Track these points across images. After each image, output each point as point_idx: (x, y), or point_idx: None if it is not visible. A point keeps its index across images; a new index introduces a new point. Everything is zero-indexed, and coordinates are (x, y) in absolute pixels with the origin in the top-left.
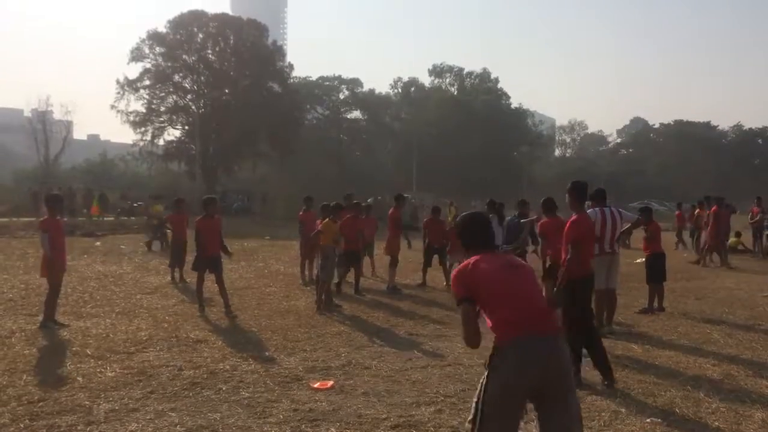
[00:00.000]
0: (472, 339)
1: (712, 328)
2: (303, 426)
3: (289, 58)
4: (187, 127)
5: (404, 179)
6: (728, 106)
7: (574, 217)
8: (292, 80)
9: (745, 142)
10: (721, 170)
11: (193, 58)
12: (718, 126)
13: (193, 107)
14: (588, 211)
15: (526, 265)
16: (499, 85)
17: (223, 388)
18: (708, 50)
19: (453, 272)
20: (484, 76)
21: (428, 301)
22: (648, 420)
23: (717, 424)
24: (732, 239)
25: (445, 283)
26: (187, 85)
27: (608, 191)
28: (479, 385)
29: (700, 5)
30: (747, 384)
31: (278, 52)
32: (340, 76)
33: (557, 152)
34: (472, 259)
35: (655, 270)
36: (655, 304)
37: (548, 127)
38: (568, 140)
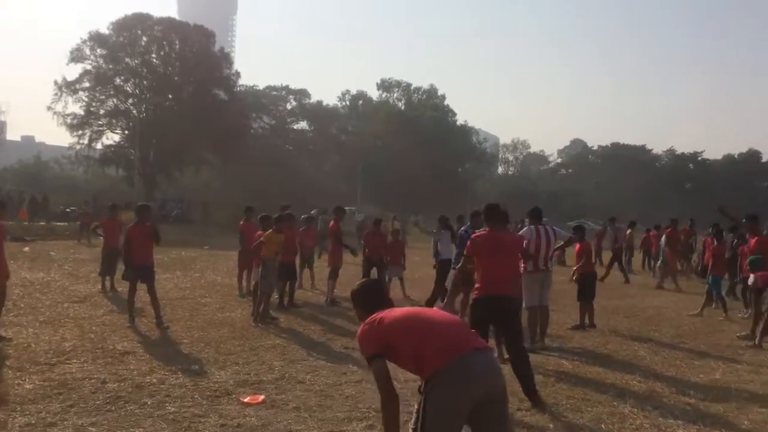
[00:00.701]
0: (390, 399)
1: (639, 345)
2: None
3: (237, 66)
4: (126, 132)
5: (350, 192)
6: (663, 131)
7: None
8: (238, 88)
9: (677, 166)
10: (654, 192)
11: (136, 61)
12: (652, 150)
13: (134, 111)
14: (524, 229)
15: (427, 309)
16: (446, 102)
17: (149, 402)
18: (645, 76)
19: (360, 330)
20: (432, 92)
21: None
22: None
23: None
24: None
25: None
26: (128, 88)
27: (547, 210)
28: (416, 411)
29: (637, 32)
30: (670, 400)
31: (225, 59)
32: (287, 86)
33: (500, 170)
34: (378, 315)
35: (586, 288)
36: (587, 321)
37: (492, 145)
38: (511, 158)
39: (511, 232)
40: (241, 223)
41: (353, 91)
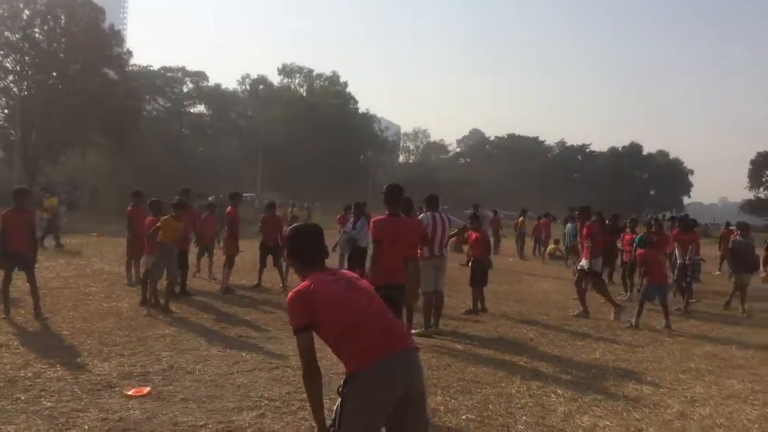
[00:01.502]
0: (313, 376)
1: (528, 328)
2: None
3: (129, 44)
4: (6, 111)
5: (249, 178)
6: (555, 124)
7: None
8: (130, 68)
9: (567, 158)
10: (546, 182)
11: (17, 35)
12: (545, 141)
13: (15, 89)
14: (420, 215)
15: (363, 282)
16: (348, 89)
17: (22, 398)
18: (539, 72)
19: (289, 295)
20: (334, 79)
21: (262, 302)
22: (463, 417)
23: (525, 418)
24: (551, 246)
25: (281, 285)
26: (8, 64)
27: (447, 198)
28: (334, 412)
29: (536, 29)
30: (554, 379)
31: (116, 36)
32: (184, 68)
33: (401, 158)
34: (311, 282)
35: (478, 274)
36: (479, 305)
37: (393, 134)
38: (411, 147)
39: (410, 218)
40: (129, 208)
41: (254, 75)
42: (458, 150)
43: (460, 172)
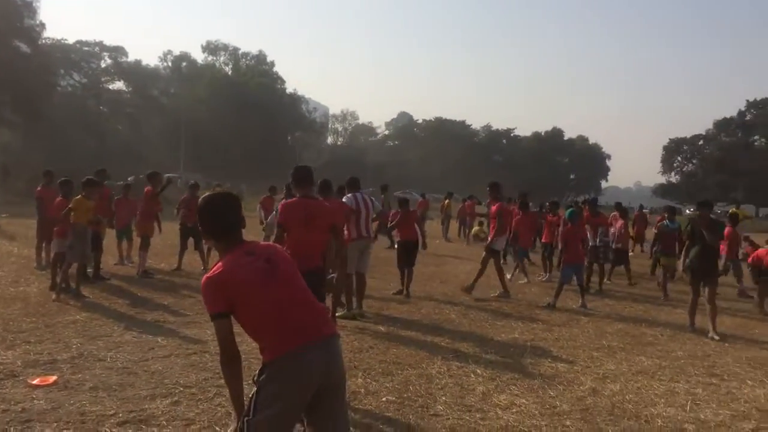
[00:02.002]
0: (231, 361)
1: (451, 309)
2: (11, 429)
3: (42, 17)
4: None
5: (172, 158)
6: (481, 107)
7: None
8: (43, 41)
9: (492, 141)
10: (472, 165)
11: None
12: (471, 125)
13: None
14: (344, 197)
15: (285, 259)
16: (275, 69)
17: None
18: (466, 56)
19: (203, 280)
20: (261, 58)
21: (181, 286)
22: (384, 399)
23: (444, 398)
24: (475, 228)
25: (202, 268)
26: None
27: (375, 180)
28: (249, 401)
29: (459, 16)
30: (473, 360)
31: (28, 8)
32: (101, 42)
33: (330, 140)
34: (226, 265)
35: (406, 255)
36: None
37: (322, 115)
38: (340, 129)
39: (326, 200)
40: (39, 188)
41: (176, 52)
42: (386, 132)
43: (388, 154)
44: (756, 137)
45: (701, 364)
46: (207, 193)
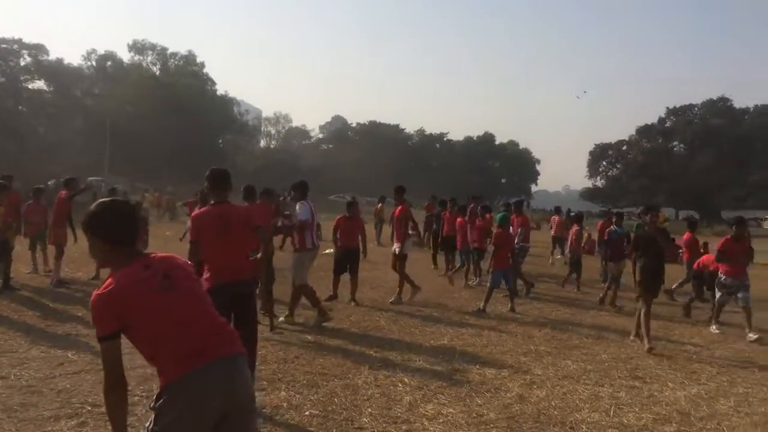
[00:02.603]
0: (116, 389)
1: (380, 315)
2: None
3: None
4: None
5: (95, 161)
6: (414, 111)
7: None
8: None
9: (426, 145)
10: (405, 169)
11: None
12: (405, 129)
13: None
14: (299, 205)
15: (186, 273)
16: (205, 70)
17: None
18: (400, 60)
19: (92, 297)
20: (190, 58)
21: None
22: (307, 413)
23: (370, 410)
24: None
25: None
26: None
27: (309, 184)
28: (146, 429)
29: (396, 16)
30: (401, 368)
31: None
32: (20, 40)
33: (262, 143)
34: (118, 281)
35: (344, 263)
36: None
37: (254, 118)
38: (273, 132)
39: (238, 206)
40: None
41: (101, 51)
42: (320, 136)
43: (322, 158)
44: (675, 143)
45: (625, 366)
46: (100, 200)
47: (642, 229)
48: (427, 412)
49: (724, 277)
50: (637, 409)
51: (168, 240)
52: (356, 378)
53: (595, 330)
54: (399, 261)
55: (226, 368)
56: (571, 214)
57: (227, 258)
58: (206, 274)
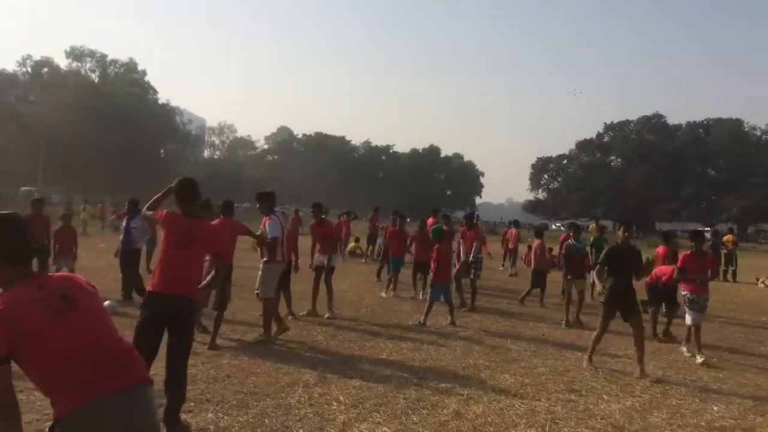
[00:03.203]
0: (8, 416)
1: (318, 330)
2: None
3: None
4: None
5: (30, 170)
6: (361, 123)
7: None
8: None
9: (372, 157)
10: (352, 181)
11: None
12: (351, 141)
13: None
14: (269, 219)
15: (86, 293)
16: (147, 78)
17: None
18: (344, 72)
19: None
20: (131, 66)
21: None
22: None
23: (302, 431)
24: (351, 244)
25: None
26: None
27: (252, 196)
28: None
29: (338, 26)
30: (336, 386)
31: None
32: None
33: (206, 153)
34: (9, 300)
35: (284, 277)
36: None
37: (197, 127)
38: (217, 142)
39: (204, 220)
40: None
41: (36, 57)
42: (266, 146)
43: (268, 168)
44: (612, 157)
45: (561, 379)
46: None
47: (599, 243)
48: (361, 431)
49: (689, 293)
50: (572, 424)
51: (102, 252)
52: (289, 397)
53: (534, 343)
54: (327, 274)
55: (129, 397)
56: (518, 226)
57: (179, 271)
58: (152, 279)
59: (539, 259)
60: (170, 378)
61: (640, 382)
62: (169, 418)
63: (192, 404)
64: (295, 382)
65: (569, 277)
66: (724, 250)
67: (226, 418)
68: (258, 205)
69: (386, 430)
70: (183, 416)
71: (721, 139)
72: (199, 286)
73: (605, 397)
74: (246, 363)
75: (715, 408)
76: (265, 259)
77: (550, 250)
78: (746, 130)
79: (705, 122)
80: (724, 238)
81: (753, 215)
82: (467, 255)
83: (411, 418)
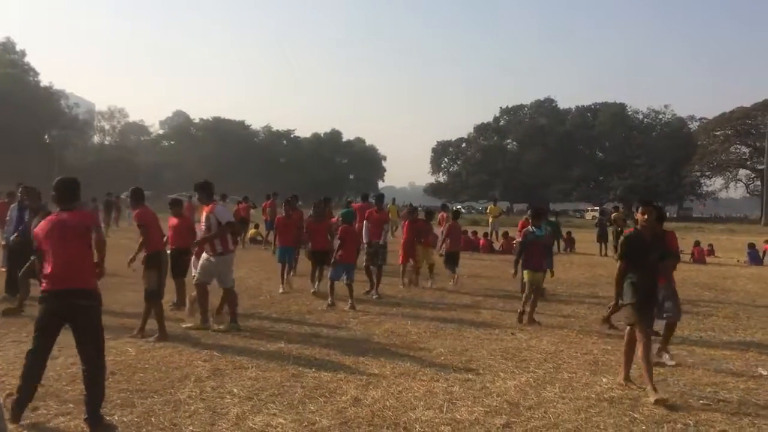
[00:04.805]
0: None
1: (213, 319)
2: None
3: None
4: None
5: None
6: (261, 108)
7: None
8: None
9: (273, 142)
10: (252, 166)
11: None
12: (251, 125)
13: None
14: (217, 208)
15: None
16: (26, 59)
17: None
18: (244, 52)
19: None
20: (8, 46)
21: None
22: None
23: (191, 428)
24: (252, 230)
25: None
26: None
27: (149, 182)
28: None
29: (232, 10)
30: (231, 378)
31: None
32: None
33: (96, 139)
34: None
35: (179, 265)
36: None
37: (86, 112)
38: (107, 127)
39: (77, 212)
40: None
41: None
42: (161, 132)
43: (163, 154)
44: (509, 141)
45: (459, 359)
46: None
47: (612, 226)
48: (255, 425)
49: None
50: (469, 403)
51: None
52: (179, 392)
53: (434, 323)
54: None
55: None
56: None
57: (62, 265)
58: (42, 282)
59: (454, 241)
60: (84, 374)
61: (534, 358)
62: (90, 417)
63: (71, 406)
64: (186, 377)
65: (527, 268)
66: (612, 228)
67: (107, 418)
68: (197, 196)
69: (282, 421)
70: (61, 419)
71: (607, 122)
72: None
73: (501, 374)
74: (133, 359)
75: (604, 380)
76: (220, 251)
77: (465, 232)
78: (629, 114)
79: (592, 106)
80: (613, 215)
81: (636, 194)
82: (376, 238)
83: (308, 407)
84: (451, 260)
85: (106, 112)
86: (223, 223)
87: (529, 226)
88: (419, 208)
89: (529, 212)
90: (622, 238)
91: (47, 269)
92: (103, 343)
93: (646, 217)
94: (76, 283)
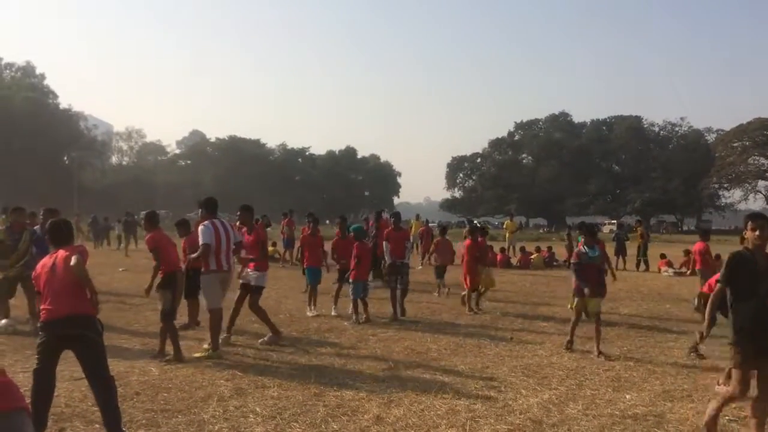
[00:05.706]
0: None
1: (234, 339)
2: None
3: None
4: None
5: None
6: (276, 127)
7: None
8: None
9: (288, 160)
10: (268, 184)
11: None
12: (266, 144)
13: None
14: (201, 227)
15: None
16: (46, 82)
17: None
18: (258, 77)
19: None
20: (28, 70)
21: None
22: None
23: None
24: (270, 248)
25: None
26: None
27: (166, 201)
28: None
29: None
30: (253, 397)
31: None
32: None
33: (114, 159)
34: None
35: (190, 285)
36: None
37: (104, 133)
38: (125, 147)
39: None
40: None
41: None
42: (177, 151)
43: (180, 173)
44: (524, 155)
45: (480, 376)
46: None
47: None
48: None
49: None
50: (492, 421)
51: None
52: (203, 412)
53: (454, 340)
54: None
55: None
56: (430, 224)
57: (52, 296)
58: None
59: (442, 255)
60: (96, 399)
61: (556, 375)
62: None
63: (97, 426)
64: (209, 396)
65: (581, 295)
66: (628, 242)
67: None
68: (203, 214)
69: None
70: None
71: (622, 135)
72: None
73: (523, 391)
74: (156, 379)
75: (627, 396)
76: (202, 269)
77: (491, 247)
78: (645, 126)
79: (608, 120)
80: (638, 229)
81: (654, 207)
82: (399, 257)
83: (331, 425)
84: (439, 273)
85: (124, 133)
86: (200, 243)
87: (582, 247)
88: (474, 225)
89: (577, 230)
90: (728, 255)
91: (42, 303)
92: (105, 366)
93: (757, 233)
94: (67, 311)
